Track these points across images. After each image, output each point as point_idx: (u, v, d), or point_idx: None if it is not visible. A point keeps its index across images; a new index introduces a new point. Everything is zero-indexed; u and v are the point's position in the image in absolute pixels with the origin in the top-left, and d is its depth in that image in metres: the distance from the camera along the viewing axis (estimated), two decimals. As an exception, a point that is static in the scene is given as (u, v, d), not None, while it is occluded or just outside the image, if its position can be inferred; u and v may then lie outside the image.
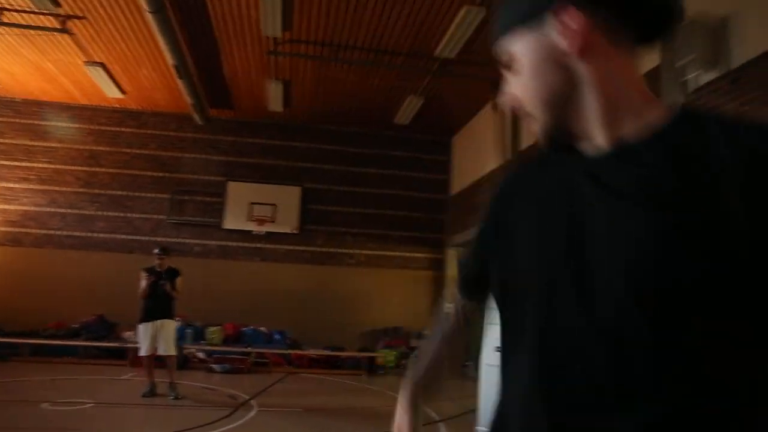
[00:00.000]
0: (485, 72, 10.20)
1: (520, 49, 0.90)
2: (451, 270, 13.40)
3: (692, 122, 0.82)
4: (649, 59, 6.59)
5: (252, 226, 13.06)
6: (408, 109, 12.23)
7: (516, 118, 10.36)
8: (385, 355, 11.82)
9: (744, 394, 0.72)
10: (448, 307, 1.24)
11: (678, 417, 0.72)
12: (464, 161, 13.43)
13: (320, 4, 8.73)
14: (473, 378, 9.83)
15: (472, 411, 7.08)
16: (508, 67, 0.94)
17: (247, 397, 8.23)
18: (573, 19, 0.82)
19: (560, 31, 0.84)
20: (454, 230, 13.22)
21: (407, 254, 13.66)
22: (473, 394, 8.17)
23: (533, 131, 0.94)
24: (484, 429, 5.68)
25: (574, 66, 0.85)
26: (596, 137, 0.87)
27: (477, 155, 12.33)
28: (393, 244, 13.62)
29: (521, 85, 0.92)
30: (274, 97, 11.73)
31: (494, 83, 10.28)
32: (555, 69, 0.86)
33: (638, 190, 0.78)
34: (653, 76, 6.62)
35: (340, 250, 13.45)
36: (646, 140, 0.82)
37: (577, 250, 0.82)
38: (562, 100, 0.87)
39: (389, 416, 1.28)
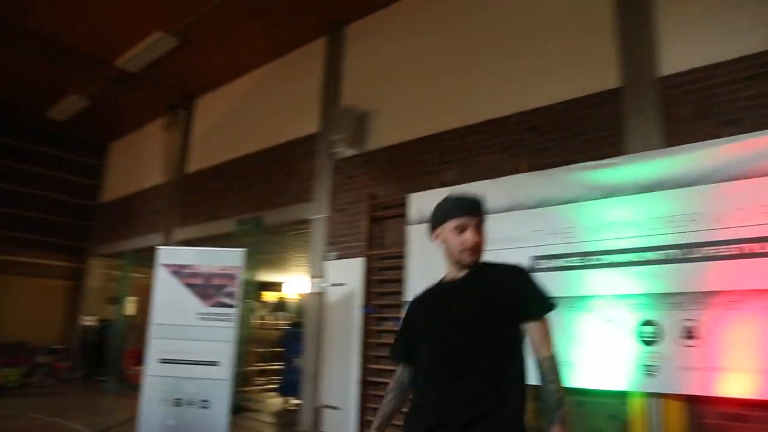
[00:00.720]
0: (165, 93, 10.60)
1: (484, 226, 2.19)
2: (93, 281, 12.91)
3: (485, 266, 2.19)
4: (311, 126, 8.31)
5: None
6: (67, 106, 11.55)
7: (186, 145, 11.03)
8: (5, 375, 10.62)
9: (513, 360, 2.06)
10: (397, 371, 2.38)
11: (490, 372, 2.02)
12: (121, 170, 13.21)
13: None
14: (112, 391, 9.92)
15: (127, 421, 7.39)
16: (479, 225, 2.17)
17: None
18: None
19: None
20: (100, 239, 12.83)
21: (44, 261, 12.58)
22: (120, 407, 8.40)
23: (469, 261, 2.19)
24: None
25: None
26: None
27: (137, 167, 12.39)
28: (29, 250, 12.37)
29: (482, 238, 2.18)
30: None
31: (172, 106, 10.80)
32: None
33: (468, 293, 2.16)
34: (312, 140, 8.33)
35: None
36: (475, 273, 2.20)
37: (443, 318, 2.16)
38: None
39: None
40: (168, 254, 6.75)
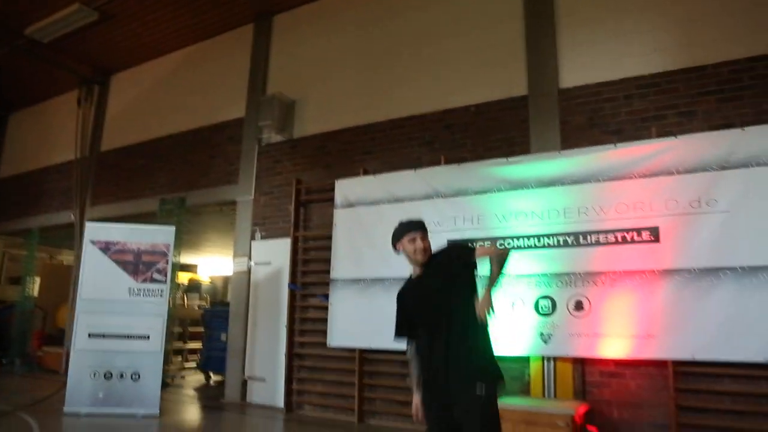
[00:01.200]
0: (78, 67, 10.29)
1: (427, 236, 3.15)
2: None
3: (432, 259, 3.13)
4: (238, 111, 8.53)
5: None
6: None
7: (101, 122, 10.76)
8: None
9: (471, 323, 2.93)
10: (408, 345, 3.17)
11: (458, 330, 2.93)
12: (23, 144, 12.55)
13: None
14: (19, 373, 9.64)
15: (51, 396, 7.40)
16: (424, 236, 3.11)
17: None
18: None
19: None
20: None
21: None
22: (35, 387, 8.28)
23: (422, 259, 3.10)
24: (73, 409, 6.26)
25: None
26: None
27: (43, 142, 11.88)
28: None
29: (428, 243, 3.11)
30: None
31: (85, 81, 10.51)
32: None
33: (429, 281, 3.08)
34: (238, 124, 8.56)
35: None
36: (428, 266, 3.12)
37: (423, 301, 3.09)
38: None
39: None
40: (96, 231, 6.80)
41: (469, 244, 3.25)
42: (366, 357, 6.61)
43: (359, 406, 6.51)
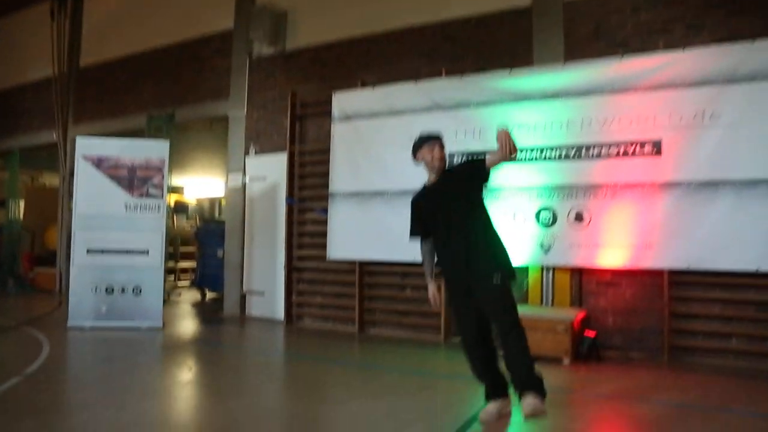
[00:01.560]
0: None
1: (444, 147, 3.53)
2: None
3: (448, 169, 3.56)
4: (226, 22, 8.15)
5: None
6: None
7: (78, 36, 10.21)
8: None
9: (486, 225, 3.44)
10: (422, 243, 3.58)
11: (473, 228, 3.39)
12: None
13: None
14: (13, 293, 9.64)
15: (48, 314, 7.45)
16: (442, 146, 3.49)
17: None
18: None
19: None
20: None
21: None
22: (32, 305, 8.31)
23: (440, 166, 3.48)
24: (77, 323, 6.32)
25: None
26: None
27: (15, 59, 11.28)
28: None
29: (444, 153, 3.49)
30: None
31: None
32: None
33: (444, 186, 3.47)
34: (227, 37, 8.20)
35: None
36: (444, 174, 3.52)
37: (439, 206, 3.45)
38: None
39: None
40: (87, 146, 6.61)
41: (479, 157, 3.53)
42: (365, 269, 6.71)
43: (359, 316, 6.68)
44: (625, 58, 5.45)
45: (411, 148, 3.49)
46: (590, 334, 5.32)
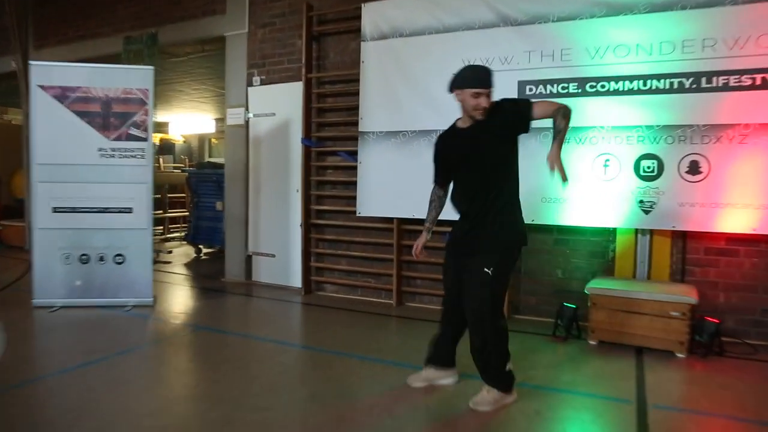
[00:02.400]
0: None
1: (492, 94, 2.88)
2: None
3: (488, 113, 2.90)
4: None
5: None
6: None
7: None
8: None
9: (508, 178, 2.99)
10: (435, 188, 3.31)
11: (492, 190, 2.93)
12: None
13: None
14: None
15: (10, 284, 6.13)
16: (489, 94, 2.84)
17: None
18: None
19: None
20: None
21: None
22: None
23: (480, 118, 2.89)
24: (45, 301, 4.99)
25: None
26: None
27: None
28: None
29: (489, 101, 2.84)
30: None
31: None
32: None
33: (477, 136, 2.94)
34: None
35: None
36: (480, 122, 2.93)
37: (467, 153, 2.98)
38: None
39: None
40: (46, 73, 5.05)
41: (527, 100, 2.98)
42: (406, 228, 5.43)
43: (397, 286, 5.45)
44: (770, -47, 4.04)
45: (452, 78, 2.94)
46: (712, 320, 4.13)
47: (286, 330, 4.82)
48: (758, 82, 4.10)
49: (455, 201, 3.13)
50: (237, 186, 6.45)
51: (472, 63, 3.55)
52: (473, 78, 2.85)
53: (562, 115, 2.82)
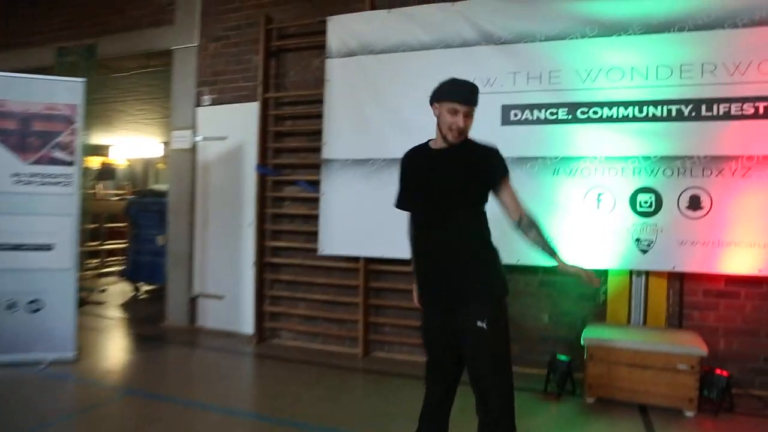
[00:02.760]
0: None
1: (473, 113, 2.43)
2: None
3: (467, 142, 2.44)
4: None
5: None
6: None
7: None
8: None
9: (477, 222, 2.46)
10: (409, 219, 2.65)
11: (460, 228, 2.41)
12: None
13: None
14: None
15: None
16: (469, 113, 2.40)
17: None
18: None
19: None
20: None
21: None
22: None
23: (453, 141, 2.40)
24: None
25: None
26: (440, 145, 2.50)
27: None
28: None
29: (469, 123, 2.41)
30: None
31: None
32: None
33: (451, 165, 2.43)
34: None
35: None
36: (457, 148, 2.43)
37: (429, 182, 2.47)
38: None
39: None
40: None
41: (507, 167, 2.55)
42: (374, 269, 4.84)
43: (364, 334, 4.83)
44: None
45: (432, 91, 2.47)
46: (722, 373, 3.69)
47: (235, 393, 4.06)
48: (761, 110, 3.80)
49: (417, 235, 2.56)
50: (181, 217, 5.73)
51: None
52: (451, 91, 2.41)
53: (527, 225, 2.45)
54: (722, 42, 3.85)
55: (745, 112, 3.82)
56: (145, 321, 5.97)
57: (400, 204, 2.69)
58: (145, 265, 7.16)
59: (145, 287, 7.61)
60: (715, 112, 3.88)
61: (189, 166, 5.69)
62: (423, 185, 2.50)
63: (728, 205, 3.85)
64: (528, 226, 2.43)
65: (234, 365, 4.70)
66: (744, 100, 3.82)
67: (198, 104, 5.65)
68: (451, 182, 2.42)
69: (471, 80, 2.42)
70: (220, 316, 5.50)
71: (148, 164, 12.75)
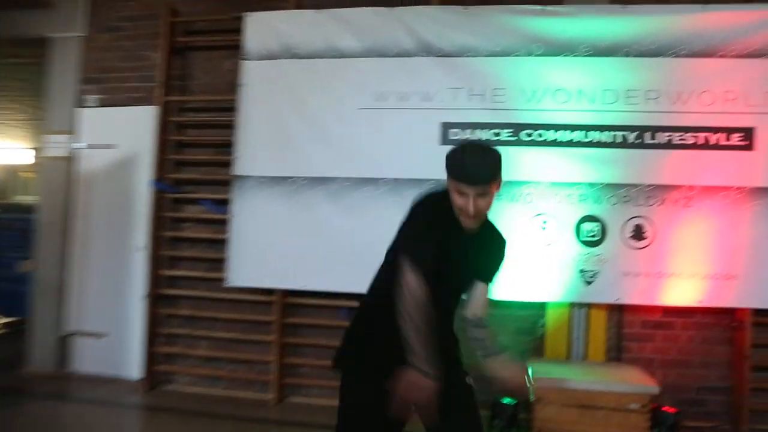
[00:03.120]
0: None
1: (491, 190, 1.90)
2: None
3: (487, 225, 2.08)
4: None
5: None
6: None
7: None
8: None
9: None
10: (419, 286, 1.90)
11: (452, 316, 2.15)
12: None
13: None
14: None
15: None
16: (484, 193, 1.86)
17: None
18: None
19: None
20: None
21: None
22: None
23: (466, 225, 1.94)
24: None
25: None
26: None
27: None
28: None
29: (486, 204, 1.90)
30: None
31: None
32: None
33: (479, 250, 2.07)
34: None
35: None
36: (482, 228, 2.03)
37: (459, 268, 2.06)
38: None
39: None
40: None
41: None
42: (291, 302, 4.25)
43: (278, 377, 4.19)
44: (711, 8, 3.80)
45: (446, 157, 1.92)
46: (669, 410, 3.56)
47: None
48: (701, 141, 3.80)
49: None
50: (54, 238, 4.77)
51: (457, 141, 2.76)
52: (455, 167, 1.89)
53: (482, 326, 2.17)
54: (665, 70, 3.83)
55: (686, 142, 3.79)
56: (3, 366, 4.86)
57: (427, 265, 1.95)
58: (4, 294, 6.00)
59: (3, 320, 6.38)
60: (658, 141, 3.82)
61: (65, 177, 4.77)
62: (454, 264, 2.05)
63: (671, 235, 3.79)
64: (482, 327, 2.12)
65: (116, 421, 3.90)
66: (685, 129, 3.79)
67: (80, 105, 4.78)
68: (474, 274, 2.13)
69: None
70: (100, 359, 4.59)
71: (11, 173, 11.20)
